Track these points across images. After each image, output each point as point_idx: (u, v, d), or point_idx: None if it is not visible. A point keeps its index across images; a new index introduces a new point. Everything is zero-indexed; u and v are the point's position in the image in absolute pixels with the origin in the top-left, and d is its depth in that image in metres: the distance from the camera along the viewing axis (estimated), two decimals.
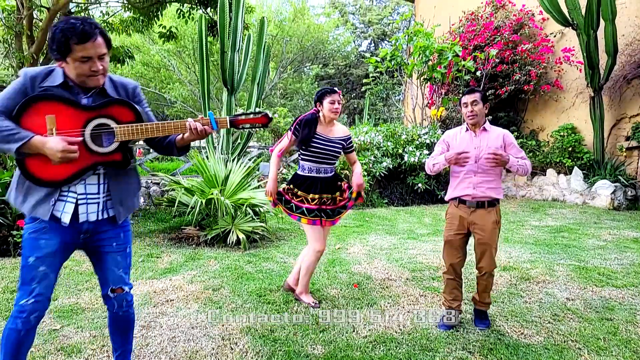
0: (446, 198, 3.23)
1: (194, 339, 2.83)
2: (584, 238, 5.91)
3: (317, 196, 3.31)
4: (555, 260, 4.82)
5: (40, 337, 2.77)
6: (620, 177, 8.57)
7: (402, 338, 2.93)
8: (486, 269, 3.03)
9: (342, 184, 3.47)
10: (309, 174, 3.35)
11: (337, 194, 3.42)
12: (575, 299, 3.68)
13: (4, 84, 8.92)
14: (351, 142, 3.48)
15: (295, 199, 3.35)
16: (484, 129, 3.07)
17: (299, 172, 3.39)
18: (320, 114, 3.35)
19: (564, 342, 2.91)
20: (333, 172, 3.43)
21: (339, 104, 3.30)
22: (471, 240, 3.13)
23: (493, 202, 3.02)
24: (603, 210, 8.10)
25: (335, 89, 3.38)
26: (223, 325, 3.03)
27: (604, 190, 8.43)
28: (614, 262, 4.76)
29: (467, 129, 3.13)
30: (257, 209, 5.63)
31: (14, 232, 4.48)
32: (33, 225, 1.92)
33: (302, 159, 3.37)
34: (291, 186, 3.39)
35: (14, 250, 4.51)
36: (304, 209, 3.30)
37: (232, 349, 2.71)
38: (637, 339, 2.96)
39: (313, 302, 3.42)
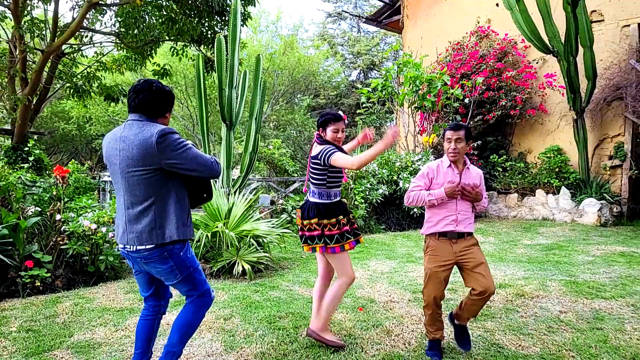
0: (423, 233, 3.22)
1: None
2: (574, 254, 6.16)
3: (343, 219, 3.19)
4: (548, 276, 5.05)
5: None
6: (605, 194, 8.90)
7: (409, 355, 3.13)
8: (491, 288, 2.95)
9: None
10: (335, 199, 3.22)
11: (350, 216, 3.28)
12: (568, 311, 3.91)
13: None
14: (324, 152, 3.11)
15: (335, 229, 3.12)
16: (467, 167, 3.14)
17: (325, 201, 3.17)
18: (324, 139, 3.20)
19: (559, 351, 3.13)
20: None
21: (342, 132, 3.17)
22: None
23: (470, 233, 3.13)
24: (591, 227, 8.38)
25: (340, 114, 3.23)
26: (237, 352, 3.21)
27: (591, 207, 8.74)
28: (602, 275, 5.01)
29: (449, 165, 3.13)
30: (260, 240, 5.82)
31: (22, 273, 4.51)
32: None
33: (329, 186, 3.17)
34: (327, 220, 3.13)
35: (22, 291, 4.52)
36: (337, 236, 3.11)
37: None
38: (625, 345, 3.19)
39: (338, 340, 3.29)
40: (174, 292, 4.76)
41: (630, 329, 3.48)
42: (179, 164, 2.32)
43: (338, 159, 2.99)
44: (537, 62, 10.76)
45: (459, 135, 3.03)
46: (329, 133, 3.17)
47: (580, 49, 8.92)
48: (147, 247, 2.34)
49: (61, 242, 4.90)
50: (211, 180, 2.67)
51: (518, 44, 10.92)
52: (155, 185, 2.33)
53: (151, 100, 2.38)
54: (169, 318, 3.90)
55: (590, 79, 8.96)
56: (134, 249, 2.37)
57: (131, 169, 2.31)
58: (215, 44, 7.58)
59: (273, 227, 6.06)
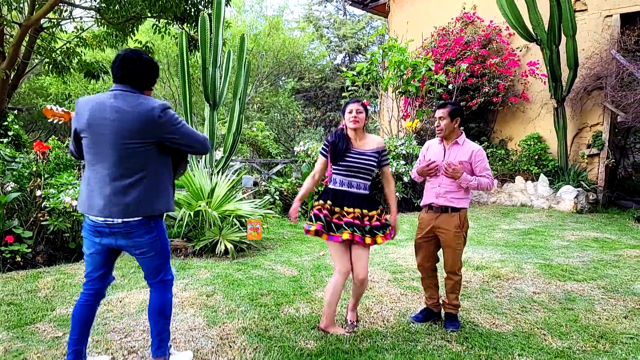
0: (421, 205, 3.48)
1: (193, 339, 3.04)
2: (549, 239, 6.33)
3: (351, 210, 3.07)
4: (524, 259, 5.19)
5: (44, 344, 2.93)
6: (582, 182, 9.12)
7: (387, 331, 3.21)
8: (448, 269, 3.26)
9: (380, 209, 3.18)
10: (340, 187, 3.14)
11: (374, 212, 3.13)
12: (541, 292, 4.04)
13: None
14: (386, 154, 3.22)
15: (331, 217, 3.07)
16: (456, 143, 3.29)
17: (330, 185, 3.18)
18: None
19: (531, 329, 3.24)
20: (368, 190, 3.17)
21: (357, 112, 3.09)
22: None
23: (457, 209, 3.23)
24: (567, 214, 8.60)
25: (357, 99, 3.23)
26: (220, 327, 3.25)
27: (568, 195, 8.95)
28: (576, 259, 5.17)
29: (440, 141, 3.37)
30: (243, 220, 5.84)
31: (2, 248, 4.51)
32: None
33: (333, 172, 3.18)
34: (324, 202, 3.12)
35: (2, 266, 4.52)
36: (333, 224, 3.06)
37: (230, 346, 2.93)
38: (594, 325, 3.32)
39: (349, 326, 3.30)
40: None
41: (600, 310, 3.62)
42: (177, 138, 2.36)
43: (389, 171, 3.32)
44: (520, 50, 10.86)
45: (441, 114, 3.24)
46: (345, 116, 3.16)
47: (563, 38, 9.02)
48: (136, 219, 2.32)
49: (42, 218, 4.87)
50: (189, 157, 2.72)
51: (502, 31, 10.98)
52: (149, 158, 2.33)
53: (141, 72, 2.36)
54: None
55: (572, 68, 9.10)
56: (119, 222, 2.30)
57: (127, 140, 2.26)
58: (199, 22, 7.45)
59: (256, 208, 6.08)
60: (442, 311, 3.42)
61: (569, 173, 9.38)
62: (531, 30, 9.47)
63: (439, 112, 3.24)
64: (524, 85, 10.68)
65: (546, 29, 9.11)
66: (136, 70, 2.34)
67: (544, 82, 9.90)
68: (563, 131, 9.43)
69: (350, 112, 3.11)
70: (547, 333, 3.17)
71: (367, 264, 3.15)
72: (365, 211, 3.09)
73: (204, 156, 7.63)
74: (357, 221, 3.04)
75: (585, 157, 9.57)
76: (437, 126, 3.26)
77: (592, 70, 9.37)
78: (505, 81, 10.45)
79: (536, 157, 9.96)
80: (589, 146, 9.60)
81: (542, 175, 9.59)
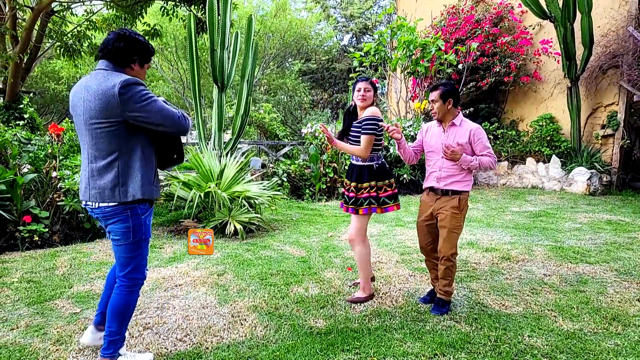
0: (423, 188, 3.48)
1: (206, 317, 3.07)
2: (561, 221, 6.28)
3: (348, 182, 3.40)
4: (534, 241, 5.16)
5: (63, 320, 2.99)
6: (596, 164, 8.99)
7: (395, 311, 3.22)
8: (442, 252, 3.18)
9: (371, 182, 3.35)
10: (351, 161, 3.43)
11: (365, 184, 3.32)
12: (552, 274, 4.02)
13: None
14: (366, 124, 3.23)
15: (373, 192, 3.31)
16: (453, 124, 3.22)
17: (375, 164, 3.34)
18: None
19: (541, 311, 3.23)
20: (359, 161, 3.36)
21: (365, 91, 3.26)
22: None
23: (457, 192, 3.19)
24: (580, 196, 8.51)
25: (366, 77, 3.44)
26: (231, 305, 3.28)
27: (581, 176, 8.85)
28: (588, 242, 5.13)
29: (438, 124, 3.32)
30: (252, 201, 5.85)
31: (21, 228, 4.65)
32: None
33: (375, 150, 3.34)
34: (373, 183, 3.31)
35: (21, 245, 4.66)
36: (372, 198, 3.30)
37: (242, 324, 2.96)
38: (606, 307, 3.30)
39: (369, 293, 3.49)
40: (170, 248, 4.84)
41: (612, 292, 3.59)
42: (143, 117, 2.17)
43: (365, 140, 3.23)
44: (533, 28, 10.64)
45: (433, 97, 3.22)
46: (354, 94, 3.36)
47: (578, 15, 8.80)
48: (110, 204, 2.22)
49: (57, 199, 4.99)
50: (182, 141, 2.52)
51: (515, 8, 10.75)
52: (119, 139, 2.19)
53: (116, 46, 2.23)
54: (165, 272, 3.96)
55: (587, 46, 8.89)
56: (97, 206, 2.25)
57: (94, 120, 2.17)
58: (207, 3, 7.37)
59: (264, 190, 6.08)
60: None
61: (582, 154, 9.25)
62: (545, 7, 9.26)
63: (432, 95, 3.23)
64: (536, 64, 10.48)
65: (560, 5, 8.89)
66: (111, 45, 2.23)
67: (558, 60, 9.71)
68: (577, 111, 9.27)
69: (359, 90, 3.30)
70: (557, 315, 3.16)
71: (353, 227, 3.36)
72: (353, 184, 3.33)
73: (213, 138, 7.63)
74: (349, 193, 3.36)
75: (600, 138, 9.42)
76: (431, 109, 3.27)
77: (608, 49, 9.16)
78: (517, 60, 10.26)
79: (548, 138, 9.83)
80: (603, 127, 9.44)
81: (554, 156, 9.47)
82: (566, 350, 2.65)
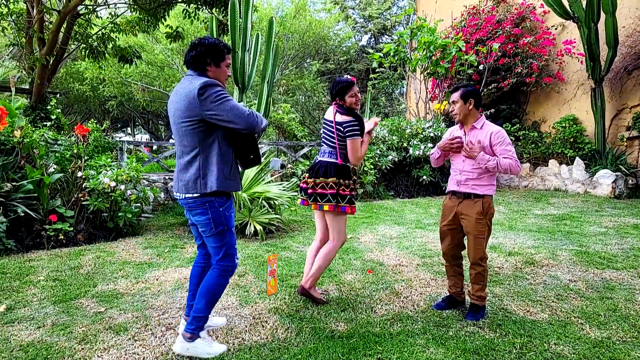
0: (445, 192, 3.45)
1: (227, 318, 3.08)
2: (585, 225, 6.14)
3: (355, 183, 3.37)
4: (558, 246, 5.06)
5: (88, 319, 3.04)
6: (621, 166, 8.78)
7: (417, 316, 3.18)
8: (470, 258, 3.15)
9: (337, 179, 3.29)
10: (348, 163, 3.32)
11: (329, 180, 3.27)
12: (578, 280, 3.93)
13: (6, 84, 9.13)
14: (348, 127, 3.18)
15: (348, 190, 3.29)
16: (474, 127, 3.17)
17: (344, 162, 3.30)
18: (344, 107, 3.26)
19: (567, 318, 3.16)
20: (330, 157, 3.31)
21: (357, 94, 3.26)
22: None
23: (480, 196, 3.13)
24: (604, 199, 8.33)
25: (349, 77, 3.32)
26: (252, 307, 3.30)
27: (605, 179, 8.65)
28: (614, 246, 5.00)
29: (460, 127, 3.29)
30: (271, 202, 5.87)
31: (47, 227, 4.75)
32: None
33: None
34: (343, 180, 3.28)
35: (47, 244, 4.76)
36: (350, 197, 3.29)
37: (263, 326, 2.97)
38: (635, 314, 3.21)
39: (322, 295, 3.47)
40: (191, 248, 4.88)
41: None
42: (217, 114, 2.39)
43: (354, 144, 3.19)
44: (555, 28, 10.45)
45: (454, 98, 3.21)
46: (347, 100, 3.27)
47: (602, 15, 8.61)
48: (194, 195, 2.49)
49: (82, 198, 5.11)
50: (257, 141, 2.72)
51: (537, 8, 10.58)
52: (200, 136, 2.45)
53: (191, 55, 2.51)
54: (186, 273, 3.99)
55: (611, 47, 8.69)
56: (182, 197, 2.54)
57: (180, 119, 2.46)
58: (229, 6, 7.43)
59: (284, 190, 6.10)
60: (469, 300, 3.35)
61: (606, 156, 9.04)
62: (567, 7, 9.09)
63: (453, 96, 3.22)
64: (559, 65, 10.29)
65: (584, 5, 8.72)
66: (188, 55, 2.52)
67: (581, 61, 9.51)
68: (601, 113, 9.07)
69: (353, 97, 3.27)
70: (584, 322, 3.09)
71: (331, 228, 3.35)
72: (311, 179, 3.31)
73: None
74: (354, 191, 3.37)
75: (625, 139, 9.19)
76: (452, 111, 3.26)
77: (634, 49, 8.94)
78: (539, 61, 10.09)
79: (571, 140, 9.64)
80: (628, 128, 9.21)
81: (577, 158, 9.28)
82: (594, 359, 2.59)
